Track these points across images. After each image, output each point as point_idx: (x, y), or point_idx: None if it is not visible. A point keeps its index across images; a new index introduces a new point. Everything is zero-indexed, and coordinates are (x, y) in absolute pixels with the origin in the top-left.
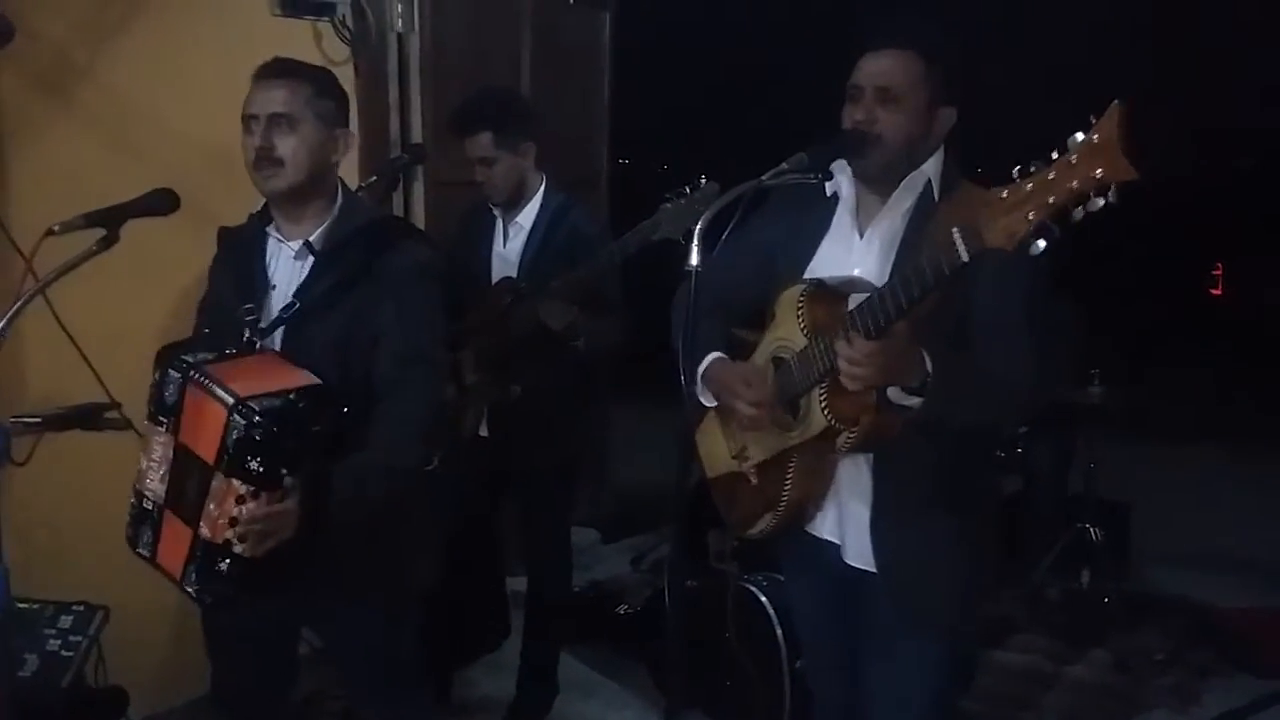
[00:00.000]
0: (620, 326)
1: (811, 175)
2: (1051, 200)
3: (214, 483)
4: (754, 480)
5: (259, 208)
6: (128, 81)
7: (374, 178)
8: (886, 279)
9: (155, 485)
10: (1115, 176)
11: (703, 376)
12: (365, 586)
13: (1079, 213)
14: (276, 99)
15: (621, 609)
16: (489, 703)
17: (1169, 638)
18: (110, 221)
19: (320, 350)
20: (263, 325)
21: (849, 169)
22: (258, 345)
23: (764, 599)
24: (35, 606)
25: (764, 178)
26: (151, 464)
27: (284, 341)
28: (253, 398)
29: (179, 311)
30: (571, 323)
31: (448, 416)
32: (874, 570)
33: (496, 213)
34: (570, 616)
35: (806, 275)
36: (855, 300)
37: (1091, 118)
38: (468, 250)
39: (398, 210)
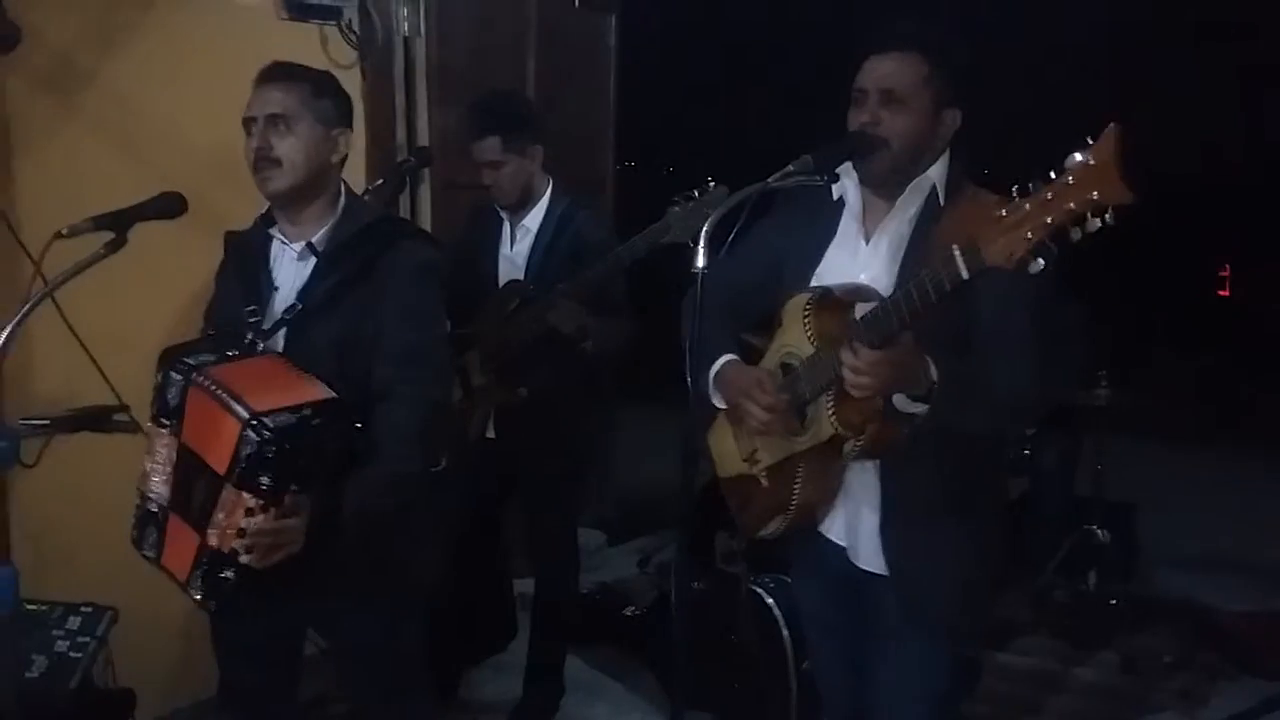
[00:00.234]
0: (627, 329)
1: (817, 178)
2: (1049, 221)
3: (224, 493)
4: (765, 483)
5: (264, 210)
6: (135, 85)
7: (380, 181)
8: (893, 285)
9: (159, 487)
10: (1112, 199)
11: (715, 378)
12: (370, 588)
13: (1076, 233)
14: (273, 100)
15: (628, 610)
16: (495, 703)
17: (1177, 640)
18: (118, 225)
19: (323, 351)
20: (265, 327)
21: (855, 174)
22: (259, 347)
23: (770, 601)
24: (44, 608)
25: (770, 180)
26: (155, 465)
27: (287, 342)
28: (267, 413)
29: (187, 314)
30: (580, 325)
31: (451, 417)
32: (883, 573)
33: (503, 215)
34: (577, 618)
35: (813, 282)
36: (861, 309)
37: (1089, 139)
38: (474, 253)
39: (404, 213)
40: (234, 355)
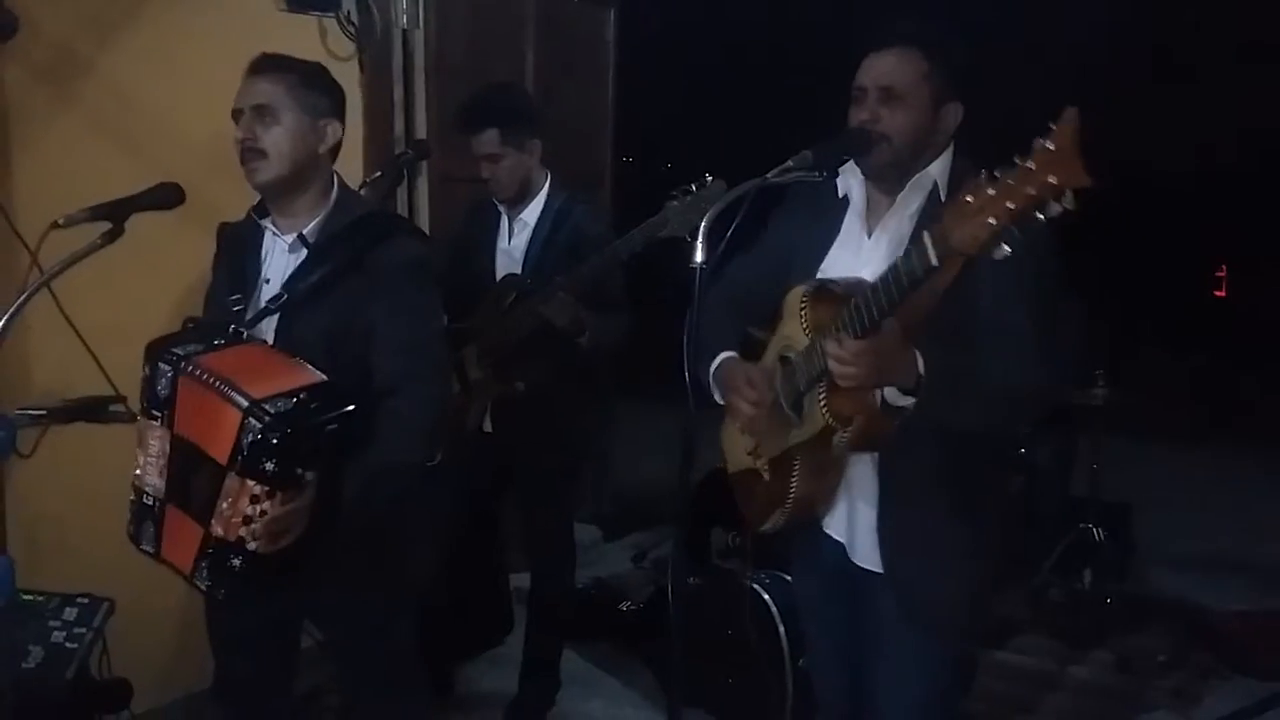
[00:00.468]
0: (624, 323)
1: (816, 173)
2: (1010, 206)
3: (227, 482)
4: (766, 477)
5: (257, 201)
6: (133, 76)
7: (378, 174)
8: None
9: (154, 480)
10: (1070, 183)
11: (714, 375)
12: (366, 581)
13: (1039, 218)
14: (259, 92)
15: (624, 606)
16: (491, 698)
17: (1171, 639)
18: (115, 215)
19: (311, 343)
20: (249, 316)
21: (859, 172)
22: (244, 335)
23: (767, 597)
24: (40, 598)
25: (769, 176)
26: (149, 459)
27: (276, 334)
28: (266, 400)
29: (183, 305)
30: (575, 319)
31: (451, 411)
32: (879, 570)
33: (501, 209)
34: (572, 613)
35: (817, 277)
36: None
37: (1051, 124)
38: (472, 246)
39: (402, 206)
40: (220, 344)
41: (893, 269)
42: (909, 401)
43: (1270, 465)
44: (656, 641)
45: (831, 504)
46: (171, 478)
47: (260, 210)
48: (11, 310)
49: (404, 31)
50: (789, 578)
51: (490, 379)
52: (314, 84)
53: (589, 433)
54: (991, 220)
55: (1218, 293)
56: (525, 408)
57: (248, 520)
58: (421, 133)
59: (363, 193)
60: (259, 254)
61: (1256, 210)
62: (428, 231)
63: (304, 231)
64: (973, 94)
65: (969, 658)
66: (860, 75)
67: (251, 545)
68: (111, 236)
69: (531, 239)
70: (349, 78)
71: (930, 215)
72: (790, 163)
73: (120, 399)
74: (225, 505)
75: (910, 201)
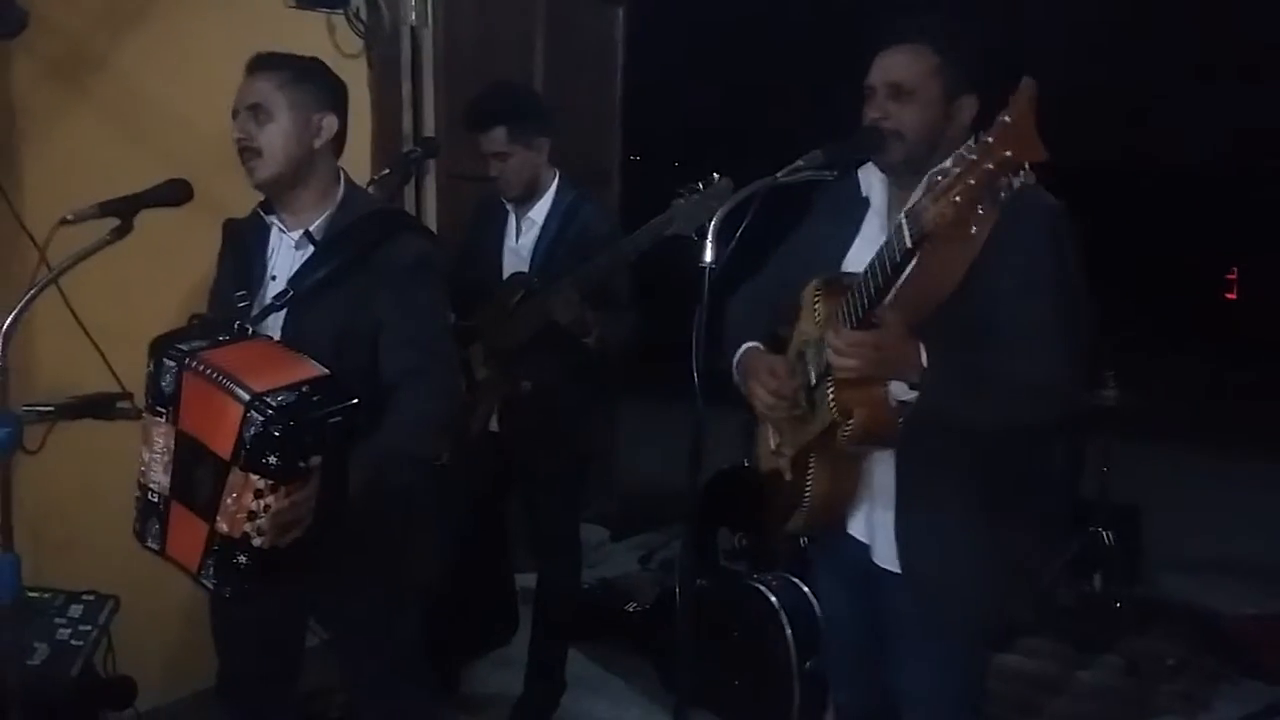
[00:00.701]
0: (631, 323)
1: (827, 172)
2: (972, 182)
3: (230, 477)
4: (788, 476)
5: (264, 198)
6: (142, 72)
7: (386, 171)
8: None
9: (159, 476)
10: (1024, 156)
11: (737, 364)
12: (371, 580)
13: (1000, 194)
14: (253, 91)
15: (630, 607)
16: (497, 698)
17: (1180, 643)
18: (124, 211)
19: (318, 340)
20: (255, 312)
21: (880, 171)
22: (250, 332)
23: (773, 598)
24: (46, 595)
25: (779, 175)
26: (154, 456)
27: (283, 331)
28: (267, 393)
29: (191, 301)
30: (580, 318)
31: (461, 407)
32: (899, 571)
33: (509, 207)
34: (579, 613)
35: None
36: None
37: (1011, 98)
38: (480, 244)
39: (410, 204)
40: (225, 340)
41: (877, 255)
42: (915, 396)
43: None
44: (663, 643)
45: (851, 505)
46: (176, 474)
47: (266, 206)
48: (19, 306)
49: (413, 29)
50: (796, 579)
51: (497, 378)
52: (307, 79)
53: (596, 433)
54: (957, 198)
55: (1228, 295)
56: (532, 407)
57: (252, 516)
58: (430, 130)
59: (370, 190)
60: (265, 250)
61: (1267, 212)
62: (435, 229)
63: (310, 229)
64: (994, 87)
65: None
66: (871, 74)
67: (257, 541)
68: (120, 233)
69: (539, 237)
70: (357, 75)
71: None
72: (801, 162)
73: (127, 395)
74: (229, 501)
75: None
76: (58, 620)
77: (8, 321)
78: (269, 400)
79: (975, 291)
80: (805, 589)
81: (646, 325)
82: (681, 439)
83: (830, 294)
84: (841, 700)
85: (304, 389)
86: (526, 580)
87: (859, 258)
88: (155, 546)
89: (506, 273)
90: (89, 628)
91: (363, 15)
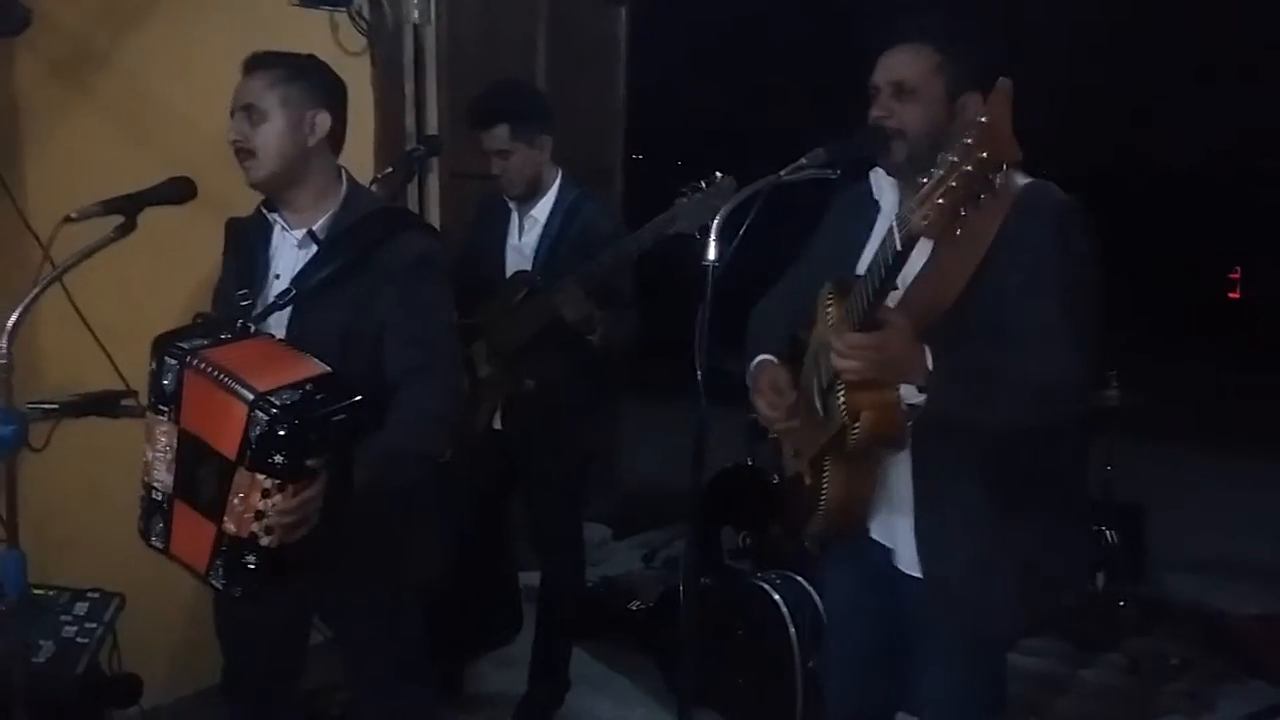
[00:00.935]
0: (634, 321)
1: (830, 171)
2: (953, 184)
3: (237, 477)
4: (807, 480)
5: (265, 197)
6: (145, 70)
7: (390, 169)
8: None
9: (162, 475)
10: (1000, 157)
11: (749, 375)
12: (375, 578)
13: (982, 196)
14: (246, 91)
15: (633, 605)
16: (500, 697)
17: (1184, 643)
18: (127, 209)
19: (323, 339)
20: (257, 311)
21: (886, 172)
22: (252, 330)
23: (777, 597)
24: (51, 593)
25: (782, 174)
26: (157, 454)
27: (288, 330)
28: (271, 392)
29: (195, 299)
30: (588, 315)
31: (464, 405)
32: (919, 575)
33: (512, 206)
34: (582, 612)
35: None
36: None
37: (988, 99)
38: (482, 242)
39: (413, 202)
40: (227, 339)
41: (872, 259)
42: (923, 399)
43: None
44: (666, 641)
45: (868, 509)
46: (179, 473)
47: (269, 205)
48: (24, 304)
49: (416, 27)
50: (800, 578)
51: (500, 376)
52: (300, 77)
53: (599, 431)
54: (940, 200)
55: (1231, 294)
56: (535, 405)
57: (260, 515)
58: (433, 128)
59: (374, 189)
60: (268, 249)
61: (1271, 212)
62: (438, 227)
63: (314, 228)
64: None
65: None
66: (875, 74)
67: (265, 541)
68: (124, 230)
69: (542, 235)
70: (360, 74)
71: None
72: (804, 160)
73: (132, 393)
74: (236, 501)
75: None
76: (63, 618)
77: (12, 319)
78: (273, 400)
79: (984, 290)
80: (809, 587)
81: (649, 324)
82: (684, 437)
83: (841, 297)
84: (836, 701)
85: (307, 387)
86: (530, 579)
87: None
88: (159, 545)
89: (509, 271)
90: (94, 625)
91: (365, 14)
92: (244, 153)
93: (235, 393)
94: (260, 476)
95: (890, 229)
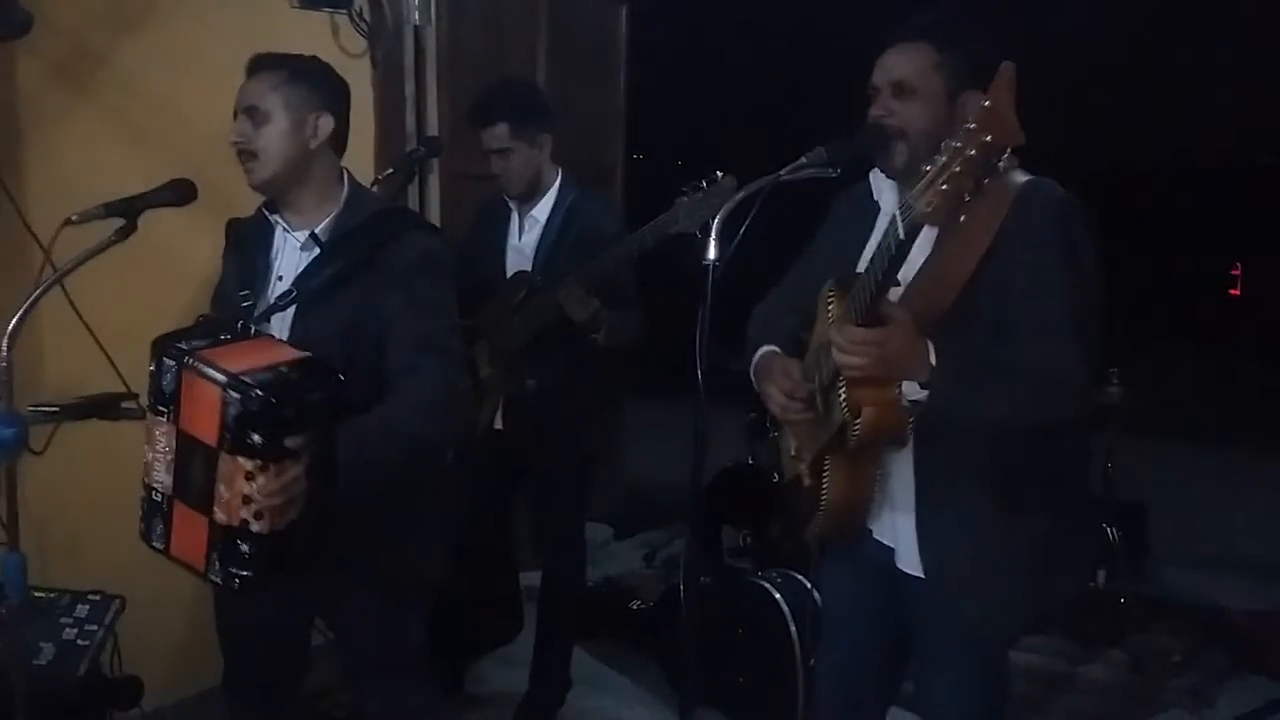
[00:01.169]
0: (636, 320)
1: (830, 170)
2: (956, 170)
3: (220, 465)
4: (807, 480)
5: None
6: (146, 72)
7: (390, 171)
8: None
9: (162, 476)
10: (1004, 141)
11: (754, 368)
12: (376, 578)
13: (985, 181)
14: (249, 92)
15: (634, 605)
16: (501, 697)
17: (1185, 639)
18: (128, 211)
19: (326, 341)
20: (257, 313)
21: (884, 174)
22: (252, 331)
23: (778, 596)
24: (52, 595)
25: (782, 173)
26: (157, 455)
27: (291, 332)
28: (244, 373)
29: (196, 301)
30: (595, 314)
31: (466, 401)
32: (921, 575)
33: (512, 205)
34: (583, 611)
35: None
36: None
37: (991, 84)
38: (483, 243)
39: (413, 203)
40: (227, 339)
41: (875, 251)
42: (924, 395)
43: None
44: (667, 640)
45: (868, 510)
46: (178, 473)
47: (270, 206)
48: (25, 307)
49: (416, 28)
50: (801, 577)
51: (501, 376)
52: (302, 79)
53: (600, 431)
54: (944, 186)
55: (1232, 291)
56: (536, 405)
57: (247, 500)
58: (433, 130)
59: (374, 190)
60: (269, 250)
61: (1272, 208)
62: (439, 228)
63: (316, 230)
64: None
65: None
66: (874, 74)
67: (256, 527)
68: (124, 233)
69: (543, 236)
70: (361, 75)
71: None
72: (804, 159)
73: (133, 396)
74: (223, 489)
75: None
76: (64, 620)
77: (13, 322)
78: (245, 379)
79: (984, 287)
80: (809, 586)
81: (650, 323)
82: (685, 437)
83: (843, 294)
84: (831, 700)
85: (282, 369)
86: (531, 579)
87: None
88: (160, 546)
89: (510, 271)
90: (95, 627)
91: (366, 15)
92: (246, 154)
93: (210, 378)
94: (241, 459)
95: (893, 219)
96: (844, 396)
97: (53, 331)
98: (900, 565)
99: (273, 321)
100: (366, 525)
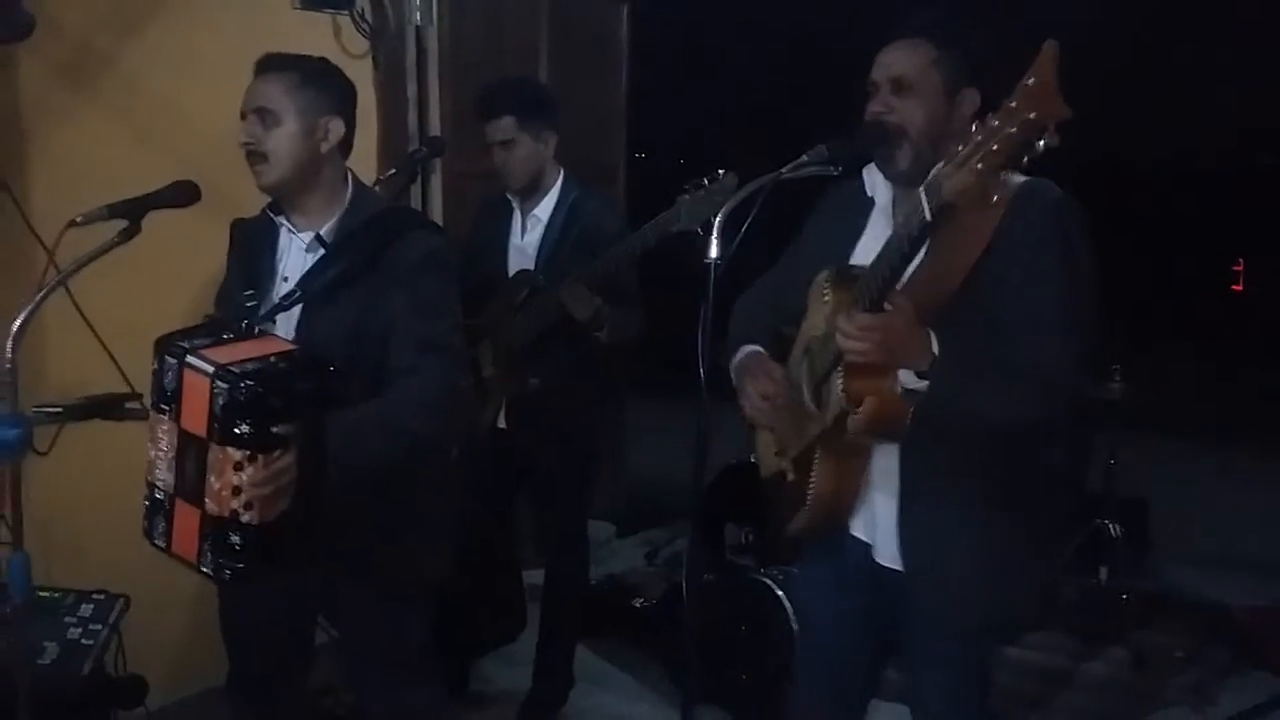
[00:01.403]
0: (638, 318)
1: (832, 168)
2: (994, 148)
3: (210, 455)
4: (791, 476)
5: (272, 199)
6: (149, 73)
7: (392, 171)
8: None
9: (164, 475)
10: (1050, 117)
11: (735, 367)
12: (378, 575)
13: (1024, 159)
14: (260, 94)
15: (637, 602)
16: (505, 695)
17: (1187, 635)
18: (132, 213)
19: (333, 341)
20: (262, 313)
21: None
22: (256, 331)
23: (780, 593)
24: (56, 595)
25: (784, 171)
26: (159, 454)
27: (296, 332)
28: (232, 364)
29: (200, 302)
30: (598, 312)
31: (468, 400)
32: (900, 568)
33: (514, 203)
34: (586, 610)
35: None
36: None
37: (1034, 62)
38: (485, 242)
39: (415, 203)
40: (230, 338)
41: (892, 235)
42: (923, 385)
43: None
44: (669, 638)
45: (853, 505)
46: (178, 470)
47: (275, 207)
48: (29, 308)
49: (418, 29)
50: None
51: (504, 376)
52: (315, 82)
53: (603, 429)
54: (979, 165)
55: (1235, 287)
56: (539, 404)
57: (237, 491)
58: (435, 130)
59: (377, 190)
60: (275, 251)
61: (1275, 205)
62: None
63: (321, 231)
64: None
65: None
66: (873, 70)
67: (245, 517)
68: (128, 234)
69: (545, 235)
70: (363, 76)
71: None
72: (805, 157)
73: (136, 396)
74: (213, 479)
75: None
76: (68, 619)
77: (17, 323)
78: (233, 369)
79: (982, 284)
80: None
81: (652, 322)
82: (687, 435)
83: (841, 284)
84: (813, 702)
85: (271, 359)
86: (534, 577)
87: (865, 255)
88: (161, 544)
89: (512, 270)
90: (99, 627)
91: (368, 16)
92: (256, 156)
93: (199, 370)
94: (230, 450)
95: (917, 199)
96: (842, 385)
97: (57, 333)
98: (878, 559)
99: (278, 322)
100: (369, 523)
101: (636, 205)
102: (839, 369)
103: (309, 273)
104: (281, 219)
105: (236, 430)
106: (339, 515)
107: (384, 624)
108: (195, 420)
